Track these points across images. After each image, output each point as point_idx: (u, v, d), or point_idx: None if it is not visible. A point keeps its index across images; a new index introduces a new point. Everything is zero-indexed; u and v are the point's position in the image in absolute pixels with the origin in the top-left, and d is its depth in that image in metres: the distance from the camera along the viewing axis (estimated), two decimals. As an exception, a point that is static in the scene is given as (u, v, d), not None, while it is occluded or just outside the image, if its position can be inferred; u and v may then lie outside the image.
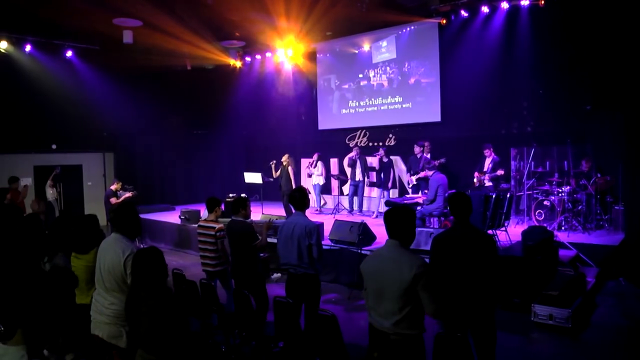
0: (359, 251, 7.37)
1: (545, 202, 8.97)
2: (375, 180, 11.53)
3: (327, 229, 8.38)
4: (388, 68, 12.81)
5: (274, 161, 11.41)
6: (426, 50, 11.95)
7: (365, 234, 7.56)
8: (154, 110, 14.45)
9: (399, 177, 11.89)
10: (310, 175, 12.26)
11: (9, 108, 12.57)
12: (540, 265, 6.42)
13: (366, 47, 13.14)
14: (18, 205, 8.36)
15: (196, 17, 11.19)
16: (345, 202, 12.13)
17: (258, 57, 15.01)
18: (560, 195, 8.78)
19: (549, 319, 5.63)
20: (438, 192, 7.90)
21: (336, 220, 8.50)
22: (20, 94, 12.57)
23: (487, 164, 9.78)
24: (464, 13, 10.92)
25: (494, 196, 7.46)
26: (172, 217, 11.96)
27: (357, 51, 13.39)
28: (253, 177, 11.81)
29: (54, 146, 13.95)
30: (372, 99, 13.19)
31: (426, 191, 8.88)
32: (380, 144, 12.49)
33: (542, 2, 9.79)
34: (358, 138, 13.37)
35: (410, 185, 10.83)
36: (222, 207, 6.29)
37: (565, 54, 9.56)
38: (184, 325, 3.10)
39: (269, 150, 14.41)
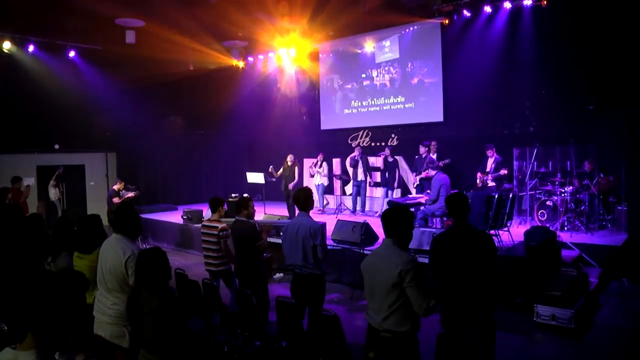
0: (362, 251, 7.38)
1: (548, 203, 8.93)
2: (379, 180, 11.50)
3: (330, 229, 8.38)
4: (391, 68, 12.79)
5: (272, 166, 11.43)
6: (429, 50, 11.93)
7: (367, 234, 7.55)
8: (157, 110, 14.44)
9: (401, 177, 11.88)
10: (312, 175, 12.26)
11: (12, 108, 12.57)
12: (542, 265, 6.40)
13: (369, 47, 13.11)
14: (19, 205, 8.37)
15: (199, 17, 11.21)
16: (348, 202, 12.12)
17: (260, 57, 15.02)
18: (563, 195, 8.74)
19: (552, 319, 5.61)
20: (440, 192, 7.89)
21: (339, 220, 8.49)
22: (23, 94, 12.56)
23: (490, 164, 9.77)
24: (466, 13, 10.91)
25: (496, 196, 7.45)
26: (175, 217, 11.97)
27: (359, 51, 13.38)
28: (256, 177, 11.83)
29: (56, 146, 13.96)
30: (375, 99, 13.17)
31: (429, 191, 8.87)
32: (383, 144, 12.48)
33: (545, 1, 9.77)
34: (360, 138, 13.36)
35: (415, 185, 10.82)
36: (225, 206, 6.30)
37: (567, 54, 9.53)
38: (184, 326, 3.10)
39: (271, 150, 14.45)
